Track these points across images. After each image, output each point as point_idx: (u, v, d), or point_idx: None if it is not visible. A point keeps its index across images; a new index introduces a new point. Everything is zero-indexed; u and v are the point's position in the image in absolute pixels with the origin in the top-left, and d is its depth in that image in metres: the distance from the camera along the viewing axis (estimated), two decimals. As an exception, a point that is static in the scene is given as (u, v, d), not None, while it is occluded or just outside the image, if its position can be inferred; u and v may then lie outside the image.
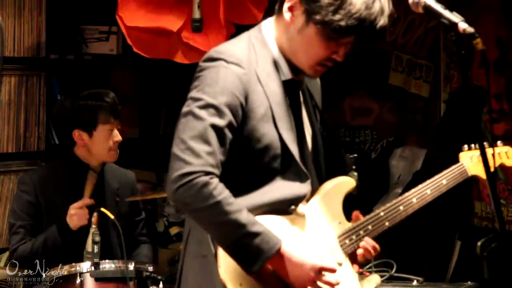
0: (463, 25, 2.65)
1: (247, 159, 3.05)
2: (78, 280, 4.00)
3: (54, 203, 4.45)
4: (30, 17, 5.45)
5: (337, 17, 2.91)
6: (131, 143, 5.34)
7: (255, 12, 4.63)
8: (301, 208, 3.11)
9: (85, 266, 4.02)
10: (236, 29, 4.70)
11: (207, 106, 2.92)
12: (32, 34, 5.48)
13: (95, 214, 4.26)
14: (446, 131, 5.15)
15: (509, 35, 5.21)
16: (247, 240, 2.89)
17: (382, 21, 2.93)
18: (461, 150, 3.65)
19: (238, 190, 2.99)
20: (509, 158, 3.57)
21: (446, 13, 2.75)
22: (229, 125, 2.93)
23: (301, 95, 3.20)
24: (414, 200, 3.23)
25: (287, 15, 3.02)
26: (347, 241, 3.17)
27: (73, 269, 4.02)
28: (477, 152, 3.40)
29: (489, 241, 4.39)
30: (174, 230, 5.15)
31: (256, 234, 2.89)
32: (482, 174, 3.29)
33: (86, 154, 4.53)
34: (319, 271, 2.94)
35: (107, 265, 4.07)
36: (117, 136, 4.51)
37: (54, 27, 5.57)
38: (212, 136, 2.91)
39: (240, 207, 2.91)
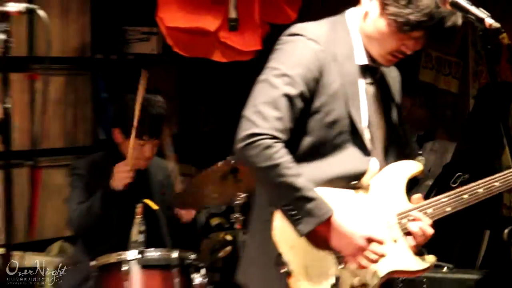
0: (489, 21, 2.67)
1: (315, 130, 3.08)
2: (125, 268, 4.03)
3: (99, 186, 4.45)
4: (75, 19, 5.52)
5: (407, 10, 2.96)
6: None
7: (289, 11, 4.64)
8: (364, 184, 3.14)
9: (132, 254, 4.05)
10: (271, 28, 4.72)
11: (282, 76, 2.99)
12: (77, 35, 5.55)
13: (139, 205, 4.30)
14: (475, 126, 5.11)
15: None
16: (301, 204, 2.94)
17: (452, 21, 2.95)
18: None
19: (302, 158, 3.05)
20: None
21: (473, 8, 2.76)
22: (301, 96, 2.99)
23: (375, 82, 3.21)
24: (480, 190, 3.17)
25: (365, 5, 3.09)
26: (405, 220, 3.15)
27: (120, 257, 4.06)
28: None
29: (517, 228, 4.40)
30: (214, 221, 5.20)
31: (310, 199, 2.94)
32: None
33: (124, 149, 4.52)
34: (368, 241, 2.97)
35: (152, 253, 4.10)
36: (147, 152, 4.49)
37: (99, 28, 5.63)
38: (283, 103, 2.97)
39: (299, 172, 2.96)
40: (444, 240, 3.28)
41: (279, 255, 3.04)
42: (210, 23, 4.59)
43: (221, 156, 4.38)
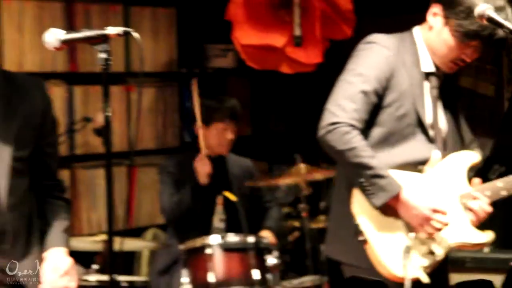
0: None
1: (386, 122, 3.13)
2: (208, 251, 4.03)
3: (185, 181, 4.49)
4: (164, 38, 5.56)
5: (466, 22, 2.99)
6: (245, 140, 5.36)
7: (345, 28, 4.57)
8: (429, 168, 3.15)
9: (214, 239, 4.07)
10: (330, 43, 4.70)
11: (359, 75, 3.07)
12: (166, 53, 5.58)
13: (220, 196, 4.38)
14: (509, 124, 5.01)
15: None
16: (375, 180, 2.99)
17: (501, 33, 2.95)
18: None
19: (374, 147, 3.09)
20: None
21: (506, 23, 2.78)
22: (375, 92, 3.06)
23: (438, 86, 3.21)
24: None
25: (430, 19, 3.13)
26: (466, 199, 3.15)
27: (204, 241, 4.06)
28: None
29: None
30: (284, 210, 5.08)
31: (383, 177, 2.99)
32: None
33: (204, 146, 4.51)
34: (433, 211, 3.00)
35: (232, 238, 4.11)
36: (229, 135, 4.53)
37: (183, 46, 5.64)
38: (360, 97, 3.04)
39: (373, 154, 3.02)
40: (485, 221, 3.28)
41: (356, 226, 3.08)
42: (278, 40, 4.58)
43: (288, 153, 4.44)
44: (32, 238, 2.74)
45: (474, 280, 4.18)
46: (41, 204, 2.80)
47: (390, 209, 3.06)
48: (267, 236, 4.49)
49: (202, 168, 4.42)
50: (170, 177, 4.57)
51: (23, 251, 2.70)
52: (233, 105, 4.58)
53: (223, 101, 4.60)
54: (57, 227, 2.78)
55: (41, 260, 2.72)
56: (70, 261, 2.73)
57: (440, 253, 3.13)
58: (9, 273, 2.65)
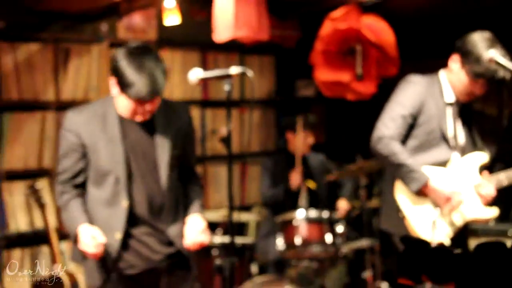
0: None
1: (418, 136, 3.12)
2: (296, 222, 4.00)
3: (279, 176, 4.48)
4: (266, 74, 5.53)
5: (476, 67, 2.98)
6: (322, 145, 5.30)
7: (392, 69, 4.47)
8: (450, 165, 3.13)
9: (300, 213, 4.03)
10: (382, 80, 4.56)
11: (400, 103, 3.10)
12: (268, 85, 5.55)
13: (304, 183, 4.38)
14: (509, 134, 4.80)
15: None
16: (410, 174, 3.02)
17: (501, 74, 2.94)
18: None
19: (413, 151, 3.09)
20: None
21: (507, 64, 2.83)
22: (410, 115, 3.07)
23: (458, 112, 3.18)
24: None
25: (451, 65, 3.12)
26: (478, 187, 3.13)
27: (293, 215, 4.04)
28: None
29: None
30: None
31: (415, 171, 3.00)
32: None
33: (292, 148, 4.53)
34: (452, 194, 3.01)
35: (312, 213, 4.04)
36: (308, 140, 4.50)
37: (280, 81, 5.59)
38: (398, 119, 3.06)
39: (408, 156, 3.02)
40: (491, 203, 3.22)
41: (398, 206, 3.09)
42: (345, 77, 4.51)
43: (351, 154, 4.41)
44: (178, 210, 2.76)
45: (489, 241, 3.97)
46: (185, 188, 2.82)
47: (422, 192, 3.05)
48: (343, 203, 4.45)
49: (295, 179, 4.39)
50: (268, 172, 4.57)
51: (173, 219, 2.73)
52: (310, 118, 4.55)
53: (307, 117, 4.57)
54: (195, 202, 2.82)
55: (183, 224, 2.75)
56: (205, 223, 2.75)
57: (458, 223, 3.09)
58: (165, 233, 2.71)
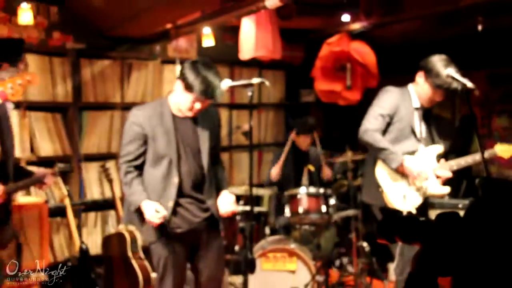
0: (469, 84, 2.66)
1: (393, 131, 3.06)
2: (299, 196, 3.93)
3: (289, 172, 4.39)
4: (278, 83, 5.45)
5: (436, 80, 2.94)
6: (320, 139, 5.06)
7: (373, 81, 4.40)
8: (417, 154, 3.07)
9: (302, 189, 3.96)
10: (365, 89, 4.50)
11: (379, 106, 3.05)
12: (279, 92, 5.47)
13: (306, 167, 4.34)
14: (458, 133, 4.70)
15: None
16: (390, 156, 2.97)
17: (455, 86, 2.86)
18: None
19: (390, 142, 3.03)
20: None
21: (460, 78, 2.77)
22: (387, 115, 3.03)
23: (423, 114, 3.12)
24: (468, 160, 3.03)
25: (418, 79, 3.07)
26: (436, 170, 3.07)
27: (297, 191, 3.96)
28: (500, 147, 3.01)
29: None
30: (339, 175, 4.91)
31: (394, 153, 2.95)
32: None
33: (296, 144, 4.42)
34: (421, 172, 2.96)
35: (311, 189, 3.96)
36: (305, 143, 4.35)
37: (288, 89, 5.53)
38: (379, 117, 3.01)
39: (388, 143, 2.98)
40: (445, 182, 3.19)
41: (378, 182, 3.05)
42: (337, 87, 4.46)
43: (342, 146, 4.28)
44: (212, 187, 2.76)
45: (446, 212, 3.95)
46: (215, 170, 2.80)
47: (398, 171, 3.02)
48: (327, 170, 4.36)
49: (274, 172, 4.27)
50: (276, 159, 4.51)
51: (210, 194, 2.74)
52: (309, 123, 4.44)
53: (307, 119, 4.51)
54: (223, 181, 2.82)
55: (217, 197, 2.77)
56: (233, 196, 2.78)
57: (426, 195, 3.07)
58: (204, 202, 2.73)
